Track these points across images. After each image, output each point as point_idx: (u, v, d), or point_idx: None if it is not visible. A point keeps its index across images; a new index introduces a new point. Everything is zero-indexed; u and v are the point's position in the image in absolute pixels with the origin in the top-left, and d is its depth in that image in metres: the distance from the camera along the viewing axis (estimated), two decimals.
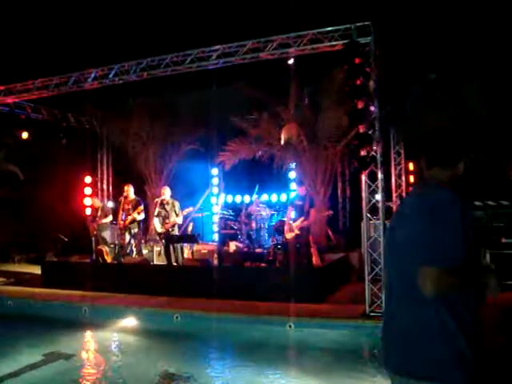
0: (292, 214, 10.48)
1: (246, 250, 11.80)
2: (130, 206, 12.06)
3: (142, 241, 12.77)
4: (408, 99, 10.17)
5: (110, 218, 12.80)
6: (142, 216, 12.15)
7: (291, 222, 10.40)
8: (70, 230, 14.44)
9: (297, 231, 10.23)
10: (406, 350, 2.35)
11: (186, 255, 11.87)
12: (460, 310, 2.25)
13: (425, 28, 10.95)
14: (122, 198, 12.30)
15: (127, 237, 12.10)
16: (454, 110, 10.29)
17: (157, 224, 11.61)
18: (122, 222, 12.08)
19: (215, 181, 16.15)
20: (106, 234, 12.78)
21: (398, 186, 12.79)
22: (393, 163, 12.51)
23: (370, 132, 8.43)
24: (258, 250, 11.62)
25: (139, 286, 10.47)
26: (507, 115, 10.08)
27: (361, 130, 8.49)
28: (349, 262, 11.71)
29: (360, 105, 8.37)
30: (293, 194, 13.12)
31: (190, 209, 11.90)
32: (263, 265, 10.86)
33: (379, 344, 2.56)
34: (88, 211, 14.24)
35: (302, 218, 10.22)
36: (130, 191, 12.24)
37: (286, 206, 11.35)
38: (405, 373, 2.33)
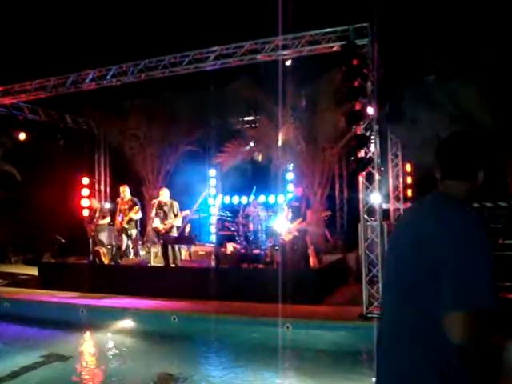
0: (289, 215, 10.47)
1: (243, 251, 11.79)
2: (127, 207, 12.04)
3: (140, 242, 12.75)
4: (405, 101, 10.18)
5: (108, 219, 12.78)
6: (138, 216, 12.14)
7: (288, 223, 10.40)
8: (67, 231, 14.41)
9: (294, 232, 10.22)
10: None
11: (183, 256, 11.87)
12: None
13: (422, 29, 10.97)
14: (118, 200, 12.29)
15: (124, 238, 12.08)
16: (452, 111, 10.33)
17: (158, 224, 11.56)
18: (119, 223, 12.07)
19: (213, 182, 16.15)
20: (104, 236, 12.74)
21: (396, 187, 12.81)
22: (390, 164, 12.52)
23: (367, 133, 8.44)
24: (256, 252, 11.61)
25: (136, 287, 10.45)
26: (504, 116, 10.11)
27: (358, 132, 8.50)
28: (346, 263, 11.71)
29: (357, 106, 8.38)
30: (290, 196, 13.12)
31: (187, 212, 11.88)
32: (261, 266, 10.85)
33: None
34: (85, 212, 14.22)
35: (300, 220, 10.22)
36: (126, 192, 12.22)
37: (282, 207, 11.34)
38: None
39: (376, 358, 2.23)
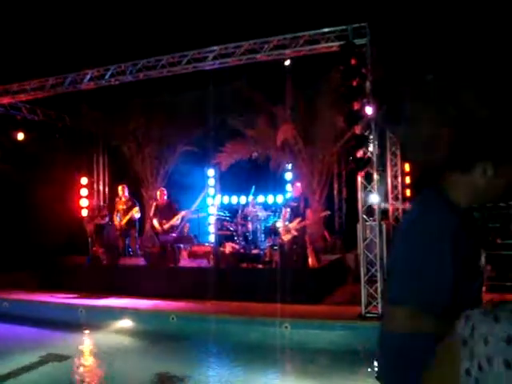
0: (287, 215, 10.47)
1: (242, 251, 11.79)
2: (125, 207, 12.06)
3: (138, 242, 12.75)
4: (404, 100, 10.18)
5: (107, 219, 12.79)
6: (138, 214, 12.16)
7: (287, 223, 10.40)
8: (66, 231, 14.39)
9: (294, 232, 10.22)
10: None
11: (182, 256, 11.86)
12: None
13: (421, 28, 10.97)
14: (117, 199, 12.30)
15: (123, 238, 12.08)
16: (451, 111, 10.30)
17: (157, 224, 11.57)
18: (117, 224, 12.07)
19: (211, 182, 16.15)
20: (103, 236, 12.75)
21: (394, 187, 12.81)
22: (389, 164, 12.53)
23: (366, 133, 8.45)
24: (255, 251, 11.61)
25: (135, 287, 10.46)
26: (504, 114, 10.08)
27: (357, 131, 8.51)
28: (345, 263, 11.72)
29: (356, 106, 8.38)
30: (289, 196, 13.12)
31: (187, 212, 11.89)
32: (259, 266, 10.86)
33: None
34: (84, 212, 14.21)
35: (299, 219, 10.22)
36: (124, 192, 12.24)
37: (281, 207, 11.34)
38: None
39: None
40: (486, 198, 2.03)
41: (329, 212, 12.77)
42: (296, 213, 10.29)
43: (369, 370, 6.56)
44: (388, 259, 2.25)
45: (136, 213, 12.03)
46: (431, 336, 1.92)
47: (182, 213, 11.66)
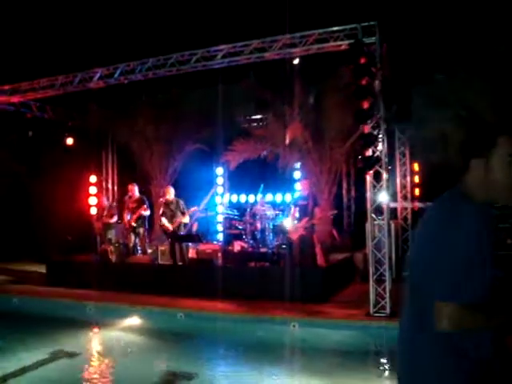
0: (296, 214, 10.46)
1: (250, 249, 11.79)
2: (135, 205, 12.10)
3: (147, 240, 12.78)
4: (414, 99, 10.13)
5: (116, 217, 12.83)
6: (148, 212, 12.20)
7: (295, 221, 10.39)
8: (75, 229, 14.46)
9: (302, 231, 10.20)
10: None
11: (190, 255, 11.88)
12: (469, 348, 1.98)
13: (431, 27, 10.91)
14: (126, 198, 12.34)
15: (132, 236, 12.13)
16: (460, 111, 10.27)
17: (165, 222, 11.60)
18: (127, 222, 12.12)
19: (220, 180, 16.15)
20: (111, 234, 12.80)
21: (403, 186, 12.77)
22: (398, 163, 12.49)
23: (375, 132, 8.42)
24: (263, 250, 11.61)
25: (143, 285, 10.48)
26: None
27: (366, 130, 8.48)
28: (353, 262, 11.68)
29: (365, 105, 8.36)
30: (297, 194, 13.10)
31: (195, 208, 11.92)
32: (268, 265, 10.86)
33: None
34: (93, 210, 14.27)
35: (307, 218, 10.20)
36: (134, 190, 12.28)
37: (289, 205, 11.32)
38: None
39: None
40: (496, 194, 2.05)
41: (336, 211, 12.75)
42: (304, 211, 10.27)
43: (376, 369, 6.56)
44: (413, 258, 2.21)
45: (146, 210, 12.07)
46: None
47: (191, 209, 11.68)
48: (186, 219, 11.67)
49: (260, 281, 9.82)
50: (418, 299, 2.11)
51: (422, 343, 2.04)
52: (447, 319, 1.93)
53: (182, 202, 11.63)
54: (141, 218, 12.12)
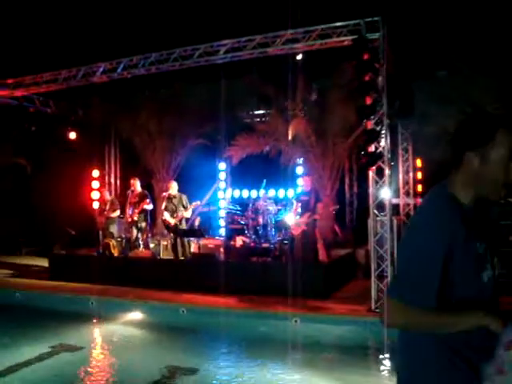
0: (298, 209, 10.47)
1: (252, 244, 11.80)
2: (137, 200, 12.11)
3: (149, 235, 12.80)
4: (417, 95, 10.11)
5: (118, 212, 12.84)
6: (150, 206, 12.21)
7: (297, 217, 10.39)
8: (77, 223, 14.49)
9: (304, 226, 10.21)
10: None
11: (192, 249, 11.90)
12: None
13: (434, 23, 10.88)
14: (129, 192, 12.35)
15: (134, 231, 12.14)
16: (463, 107, 10.22)
17: (168, 217, 11.62)
18: (129, 216, 12.14)
19: (222, 175, 16.15)
20: (114, 228, 12.82)
21: (406, 182, 12.76)
22: (400, 159, 12.47)
23: (377, 128, 8.41)
24: (265, 245, 11.62)
25: (146, 279, 10.51)
26: None
27: (369, 126, 8.47)
28: (355, 258, 11.69)
29: (368, 100, 8.35)
30: (299, 190, 13.10)
31: (198, 203, 11.93)
32: (269, 260, 10.87)
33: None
34: (96, 205, 14.29)
35: (309, 214, 10.20)
36: (136, 185, 12.29)
37: (291, 201, 11.32)
38: None
39: None
40: (485, 189, 1.99)
41: (337, 206, 12.75)
42: (307, 207, 10.27)
43: (377, 364, 6.57)
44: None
45: (148, 204, 12.07)
46: (429, 335, 1.95)
47: (193, 204, 11.69)
48: (189, 214, 11.69)
49: (262, 276, 9.83)
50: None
51: (417, 340, 2.02)
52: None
53: (184, 197, 11.64)
54: (143, 212, 12.13)
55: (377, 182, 8.58)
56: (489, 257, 1.98)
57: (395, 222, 10.68)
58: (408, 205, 12.74)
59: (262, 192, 12.77)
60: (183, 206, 11.54)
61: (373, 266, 8.45)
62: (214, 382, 6.06)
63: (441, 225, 1.90)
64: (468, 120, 2.00)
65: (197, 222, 13.14)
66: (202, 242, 12.37)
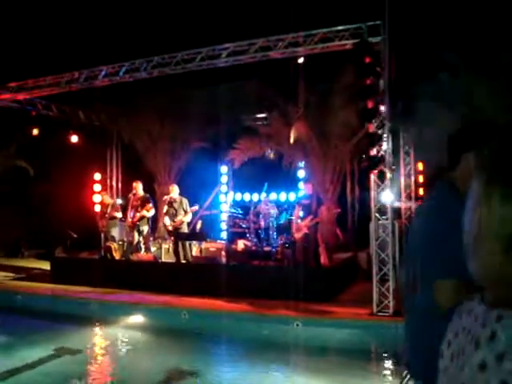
0: (300, 213, 10.46)
1: (254, 248, 11.80)
2: (139, 203, 12.08)
3: (151, 238, 12.79)
4: (418, 99, 10.12)
5: (120, 214, 12.83)
6: (151, 213, 12.16)
7: (299, 221, 10.39)
8: (79, 227, 14.51)
9: (305, 230, 10.21)
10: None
11: (194, 253, 11.89)
12: None
13: (436, 27, 10.89)
14: (130, 195, 12.33)
15: (136, 234, 12.12)
16: (464, 110, 10.25)
17: (167, 221, 11.62)
18: (130, 220, 12.12)
19: (224, 179, 16.16)
20: (115, 231, 12.80)
21: (407, 186, 12.75)
22: (402, 163, 12.46)
23: (379, 131, 8.41)
24: (266, 249, 11.61)
25: (147, 283, 10.50)
26: None
27: (370, 130, 8.47)
28: (357, 261, 11.69)
29: (370, 104, 8.34)
30: (301, 193, 13.10)
31: (196, 207, 11.92)
32: (271, 263, 10.87)
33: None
34: (97, 208, 14.30)
35: (311, 217, 10.20)
36: (138, 188, 12.26)
37: (293, 204, 11.33)
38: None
39: None
40: None
41: (339, 210, 12.74)
42: (308, 210, 10.27)
43: (379, 367, 6.56)
44: (411, 243, 2.29)
45: (149, 210, 12.02)
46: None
47: (192, 209, 11.69)
48: (189, 218, 11.68)
49: (263, 279, 9.82)
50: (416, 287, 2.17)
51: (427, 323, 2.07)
52: (445, 295, 1.99)
53: (185, 201, 11.63)
54: (144, 216, 12.12)
55: (378, 186, 8.57)
56: None
57: (397, 225, 10.65)
58: (410, 208, 12.73)
59: (263, 195, 12.78)
60: (184, 210, 11.54)
61: (374, 270, 8.44)
62: None
63: (453, 209, 1.99)
64: (467, 124, 2.12)
65: (198, 226, 13.14)
66: (204, 245, 12.37)
